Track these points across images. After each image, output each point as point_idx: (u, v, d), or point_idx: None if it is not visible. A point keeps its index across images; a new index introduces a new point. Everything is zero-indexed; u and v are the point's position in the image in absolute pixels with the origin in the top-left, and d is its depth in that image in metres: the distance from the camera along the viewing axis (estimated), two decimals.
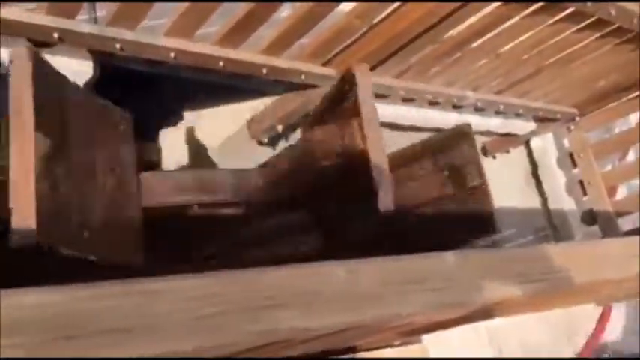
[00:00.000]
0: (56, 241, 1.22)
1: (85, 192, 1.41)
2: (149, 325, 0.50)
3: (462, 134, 2.03)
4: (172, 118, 2.81)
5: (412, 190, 2.07)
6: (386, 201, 1.59)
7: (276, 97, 2.38)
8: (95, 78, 1.84)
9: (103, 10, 1.76)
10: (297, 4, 1.93)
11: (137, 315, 0.50)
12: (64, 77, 1.51)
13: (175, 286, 0.51)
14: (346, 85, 1.76)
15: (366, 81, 1.71)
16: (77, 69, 1.79)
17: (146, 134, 2.85)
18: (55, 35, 1.58)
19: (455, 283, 0.73)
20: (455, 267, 0.73)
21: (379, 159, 1.63)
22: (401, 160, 2.10)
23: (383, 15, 1.99)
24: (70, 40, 1.63)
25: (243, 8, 1.78)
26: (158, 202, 1.68)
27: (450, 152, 2.02)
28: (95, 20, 1.79)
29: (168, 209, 1.73)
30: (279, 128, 2.38)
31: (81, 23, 1.65)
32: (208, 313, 0.52)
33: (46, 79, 1.37)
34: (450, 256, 0.73)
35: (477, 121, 2.84)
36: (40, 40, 1.62)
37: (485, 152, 3.34)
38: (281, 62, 1.98)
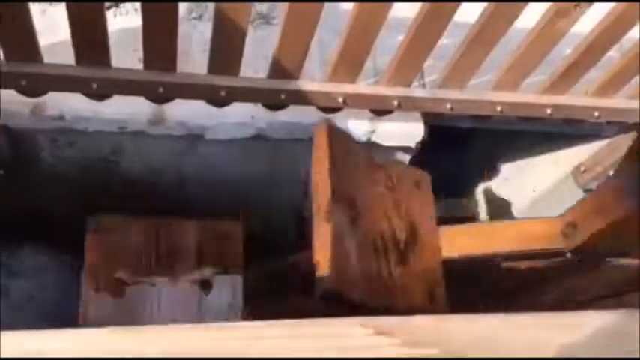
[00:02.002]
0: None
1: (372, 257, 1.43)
2: None
3: None
4: (488, 171, 2.83)
5: None
6: None
7: (605, 140, 2.23)
8: (425, 139, 1.97)
9: (431, 75, 1.89)
10: (628, 45, 1.81)
11: None
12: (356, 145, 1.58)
13: None
14: None
15: None
16: (410, 132, 1.95)
17: (459, 189, 2.93)
18: (395, 103, 1.74)
19: None
20: None
21: None
22: None
23: None
24: (405, 106, 1.78)
25: (569, 57, 1.74)
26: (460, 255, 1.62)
27: None
28: (424, 85, 1.93)
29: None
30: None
31: (415, 89, 1.79)
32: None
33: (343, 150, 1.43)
34: None
35: None
36: (380, 109, 1.81)
37: None
38: (616, 102, 1.86)
